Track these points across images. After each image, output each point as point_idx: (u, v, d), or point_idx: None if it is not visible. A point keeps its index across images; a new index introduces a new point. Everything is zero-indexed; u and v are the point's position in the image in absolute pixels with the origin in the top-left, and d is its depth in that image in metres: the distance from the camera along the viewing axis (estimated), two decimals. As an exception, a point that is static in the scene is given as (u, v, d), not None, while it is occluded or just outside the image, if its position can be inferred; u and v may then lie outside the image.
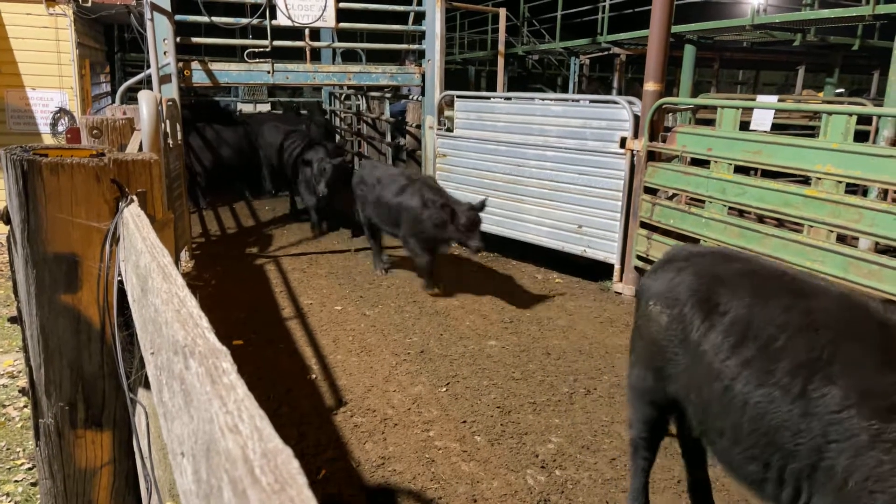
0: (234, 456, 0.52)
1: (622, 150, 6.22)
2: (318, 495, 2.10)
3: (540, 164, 7.01)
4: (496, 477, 3.58)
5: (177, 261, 4.86)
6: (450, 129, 7.97)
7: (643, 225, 6.18)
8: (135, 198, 1.70)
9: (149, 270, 1.07)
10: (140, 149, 3.17)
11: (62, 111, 8.82)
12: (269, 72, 7.93)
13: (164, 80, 7.22)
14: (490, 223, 7.59)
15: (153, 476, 1.28)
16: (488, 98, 8.03)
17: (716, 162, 5.36)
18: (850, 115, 4.44)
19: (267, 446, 0.53)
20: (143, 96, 3.27)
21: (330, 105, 13.15)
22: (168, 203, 4.70)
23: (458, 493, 3.44)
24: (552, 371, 4.84)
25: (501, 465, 3.68)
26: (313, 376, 4.78)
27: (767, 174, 5.66)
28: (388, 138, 10.43)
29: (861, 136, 6.71)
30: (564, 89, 17.28)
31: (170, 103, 6.53)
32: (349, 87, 11.52)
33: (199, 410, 0.64)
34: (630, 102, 6.30)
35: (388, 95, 10.36)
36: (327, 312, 5.85)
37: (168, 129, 6.15)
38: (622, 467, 3.65)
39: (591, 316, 5.96)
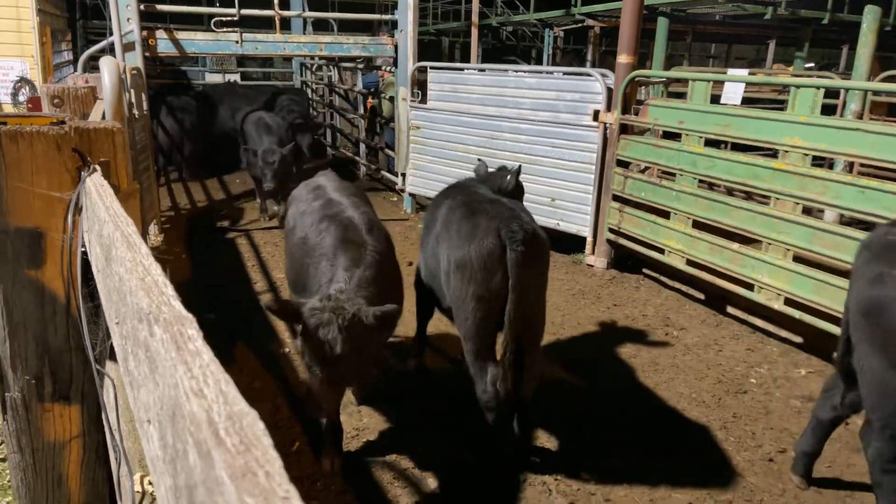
0: (199, 419, 0.52)
1: (595, 123, 6.24)
2: (292, 466, 2.14)
3: (514, 137, 6.99)
4: (467, 446, 3.63)
5: (146, 234, 4.78)
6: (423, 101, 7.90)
7: (615, 198, 6.23)
8: (97, 167, 1.66)
9: (112, 240, 1.05)
10: (103, 118, 3.09)
11: (23, 80, 8.53)
12: (237, 42, 7.73)
13: (128, 48, 7.00)
14: (464, 196, 7.58)
15: (122, 447, 1.27)
16: (462, 69, 7.96)
17: (687, 135, 5.41)
18: (818, 88, 4.50)
19: (232, 409, 0.53)
20: (105, 63, 3.17)
21: (301, 76, 12.92)
22: (135, 175, 4.60)
23: (433, 462, 3.48)
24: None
25: (471, 434, 3.73)
26: (287, 350, 4.77)
27: (738, 147, 5.73)
28: (361, 109, 10.31)
29: (829, 110, 6.82)
30: (539, 61, 17.21)
31: (134, 72, 6.35)
32: (321, 58, 11.31)
33: (164, 377, 0.64)
34: (603, 75, 6.30)
35: (360, 66, 10.20)
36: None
37: (133, 99, 5.98)
38: (586, 436, 3.72)
39: (563, 288, 6.02)
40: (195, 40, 7.63)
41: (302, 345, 2.87)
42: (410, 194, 8.40)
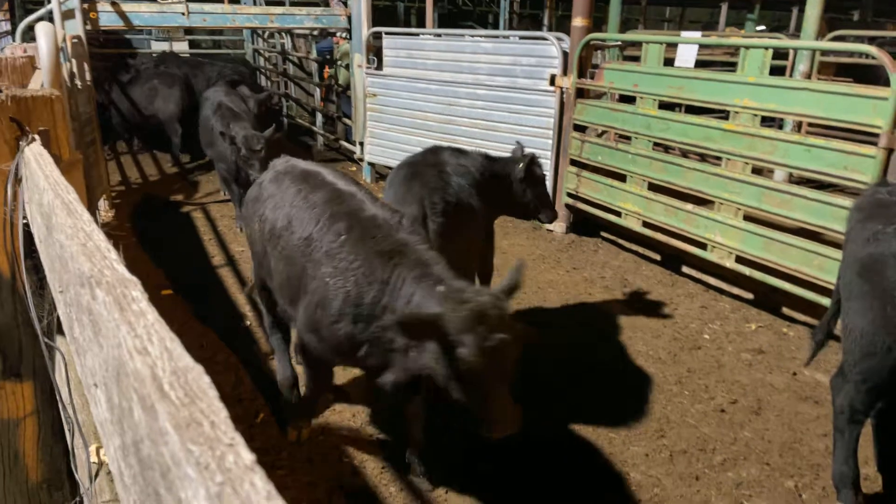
0: (143, 375, 0.52)
1: (552, 88, 6.24)
2: (257, 437, 2.14)
3: (471, 103, 6.96)
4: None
5: (95, 210, 4.63)
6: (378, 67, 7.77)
7: (573, 162, 6.28)
8: (36, 137, 1.59)
9: (52, 208, 1.02)
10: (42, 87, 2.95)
11: (-46, 51, 8.07)
12: (183, 13, 7.45)
13: (68, 15, 6.68)
14: (423, 164, 7.54)
15: (76, 418, 1.25)
16: (417, 35, 7.84)
17: (641, 98, 5.46)
18: (766, 48, 4.58)
19: (177, 365, 0.53)
20: (41, 28, 3.02)
21: (252, 44, 12.54)
22: (79, 148, 4.43)
23: (395, 428, 3.52)
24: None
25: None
26: (248, 323, 4.73)
27: (692, 109, 5.81)
28: (316, 78, 10.10)
29: (779, 72, 6.96)
30: (496, 26, 17.04)
31: (75, 41, 6.08)
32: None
33: (107, 338, 0.63)
34: (559, 39, 6.29)
35: (314, 32, 9.96)
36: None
37: (75, 69, 5.74)
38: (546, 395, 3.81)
39: (523, 253, 6.08)
40: (140, 12, 7.32)
41: (450, 361, 2.30)
42: (369, 163, 8.32)
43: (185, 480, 0.40)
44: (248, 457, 0.42)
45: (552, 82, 6.22)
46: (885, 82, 3.77)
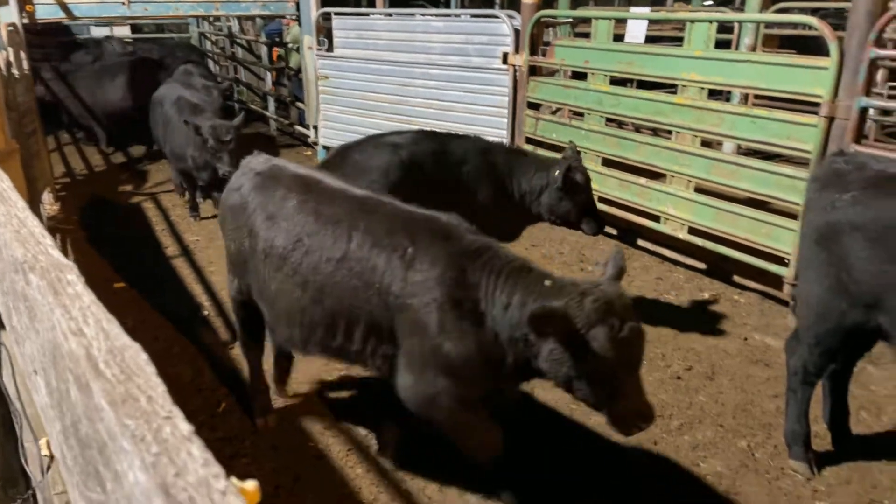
0: (78, 356, 0.51)
1: (505, 66, 6.24)
2: (219, 427, 2.11)
3: (425, 83, 6.91)
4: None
5: (38, 202, 4.47)
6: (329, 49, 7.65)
7: (528, 140, 6.31)
8: (-34, 125, 1.52)
9: (-16, 195, 0.98)
10: (-27, 76, 2.82)
11: None
12: (124, 3, 7.18)
13: (1, 2, 6.38)
14: (379, 146, 7.47)
15: (23, 412, 1.22)
16: (368, 15, 7.73)
17: (593, 74, 5.51)
18: (711, 22, 4.67)
19: (114, 344, 0.52)
20: (-32, 15, 2.88)
21: (198, 27, 12.18)
22: (18, 138, 4.26)
23: (362, 409, 3.53)
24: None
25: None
26: (206, 313, 4.65)
27: (643, 84, 5.89)
28: (265, 60, 9.89)
29: (726, 46, 7.10)
30: (447, 5, 16.91)
31: (10, 28, 5.81)
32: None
33: (42, 322, 0.61)
34: (510, 16, 6.28)
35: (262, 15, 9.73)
36: (216, 248, 5.63)
37: (12, 58, 5.49)
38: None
39: (482, 232, 6.11)
40: (79, 4, 7.03)
41: (578, 358, 2.18)
42: (324, 147, 8.21)
43: (121, 453, 0.40)
44: (185, 427, 0.42)
45: (505, 60, 6.22)
46: (828, 53, 3.88)
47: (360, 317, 2.53)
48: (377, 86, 7.31)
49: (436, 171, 3.94)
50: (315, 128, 8.18)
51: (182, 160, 6.12)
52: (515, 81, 6.23)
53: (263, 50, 9.95)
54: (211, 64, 11.98)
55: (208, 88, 7.28)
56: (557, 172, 3.82)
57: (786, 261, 4.24)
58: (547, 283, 2.32)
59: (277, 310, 2.79)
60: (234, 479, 0.42)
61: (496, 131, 6.47)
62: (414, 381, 2.50)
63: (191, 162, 5.97)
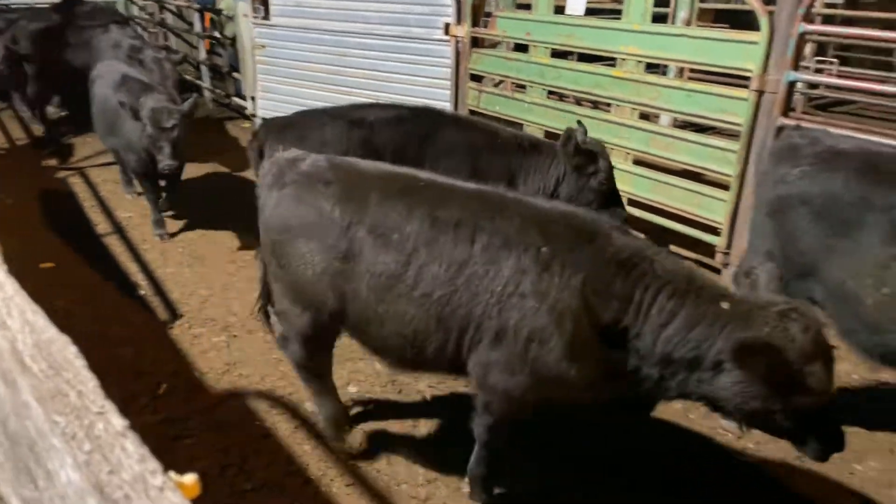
0: (2, 350, 0.48)
1: (447, 37, 6.17)
2: (161, 409, 2.05)
3: (364, 54, 6.78)
4: (344, 366, 3.69)
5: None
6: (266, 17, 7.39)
7: (472, 113, 6.29)
8: None
9: None
10: None
11: None
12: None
13: None
14: (320, 119, 7.32)
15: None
16: (306, -18, 7.49)
17: (534, 46, 5.52)
18: (649, -4, 4.73)
19: (40, 337, 0.50)
20: None
21: (125, -8, 11.52)
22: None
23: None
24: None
25: (349, 354, 3.79)
26: (142, 292, 4.51)
27: (584, 57, 5.94)
28: (198, 28, 9.48)
29: (663, 19, 7.23)
30: (388, -26, 16.51)
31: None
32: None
33: (-39, 315, 0.58)
34: (452, -14, 6.20)
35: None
36: (150, 225, 5.43)
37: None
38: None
39: (427, 205, 6.11)
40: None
41: (782, 394, 1.98)
42: (263, 119, 7.98)
43: (52, 451, 0.39)
44: (118, 423, 0.41)
45: (447, 31, 6.15)
46: (759, 27, 3.99)
47: (478, 325, 2.29)
48: (316, 56, 7.13)
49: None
50: (253, 99, 7.93)
51: (132, 150, 5.09)
52: (458, 53, 6.18)
53: (196, 17, 9.53)
54: (139, 30, 11.39)
55: (159, 62, 6.38)
56: (602, 162, 3.56)
57: (718, 230, 4.41)
58: (724, 305, 2.10)
59: (386, 333, 2.46)
60: (172, 474, 0.41)
61: (439, 103, 6.42)
62: (514, 385, 2.30)
63: (145, 155, 4.97)
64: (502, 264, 2.22)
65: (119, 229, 5.49)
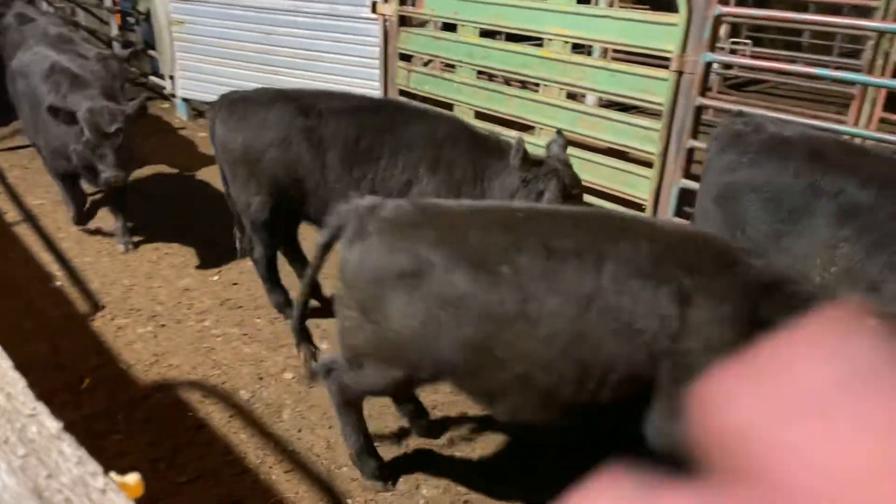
0: (-85, 354, 0.46)
1: (374, 16, 6.08)
2: (85, 404, 1.97)
3: (291, 32, 6.59)
4: (279, 352, 3.64)
5: None
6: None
7: (402, 93, 6.24)
8: None
9: None
10: None
11: None
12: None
13: None
14: (245, 99, 7.09)
15: None
16: (225, -44, 7.18)
17: (463, 25, 5.52)
18: (574, -24, 4.81)
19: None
20: None
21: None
22: None
23: (241, 374, 3.45)
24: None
25: (284, 340, 3.74)
26: (59, 283, 4.28)
27: (514, 37, 5.97)
28: (108, 2, 8.96)
29: (588, 0, 7.35)
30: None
31: None
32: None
33: None
34: (378, -37, 6.10)
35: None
36: (64, 212, 5.14)
37: None
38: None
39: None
40: None
41: None
42: (184, 99, 7.66)
43: (-18, 459, 0.37)
44: (53, 425, 0.40)
45: (374, 9, 6.06)
46: (678, 9, 4.12)
47: (616, 367, 2.08)
48: (240, 33, 6.88)
49: (362, 154, 3.42)
50: (172, 78, 7.59)
51: (63, 155, 4.39)
52: (385, 32, 6.10)
53: (106, -10, 8.98)
54: (45, 6, 10.64)
55: (105, 60, 5.37)
56: (551, 182, 3.13)
57: (643, 206, 4.57)
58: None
59: (501, 381, 2.26)
60: (113, 475, 0.40)
61: (368, 82, 6.34)
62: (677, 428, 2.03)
63: (76, 161, 4.25)
64: (636, 298, 2.03)
65: (31, 217, 5.17)
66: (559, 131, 3.38)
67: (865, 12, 7.01)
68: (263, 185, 3.55)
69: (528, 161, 3.12)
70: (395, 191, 3.33)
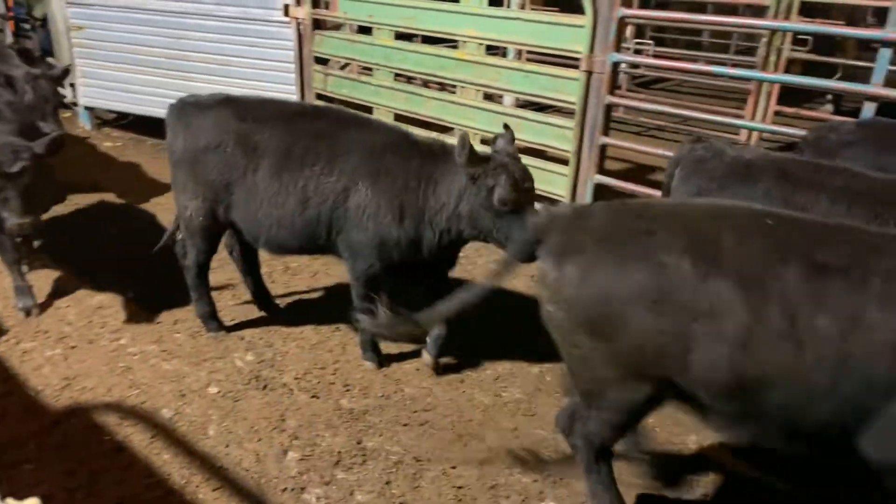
0: None
1: (287, 19, 5.98)
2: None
3: (202, 36, 6.40)
4: (202, 367, 3.53)
5: None
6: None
7: (319, 97, 6.17)
8: None
9: None
10: None
11: None
12: None
13: None
14: (156, 105, 6.82)
15: None
16: (126, -43, 6.88)
17: (378, 28, 5.51)
18: (484, -22, 4.89)
19: None
20: None
21: None
22: None
23: (162, 392, 3.32)
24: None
25: (207, 355, 3.62)
26: (-46, 304, 3.98)
27: (430, 40, 6.01)
28: (2, 7, 8.41)
29: (500, 3, 7.49)
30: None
31: None
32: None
33: None
34: (289, -34, 6.00)
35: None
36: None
37: None
38: (326, 330, 3.88)
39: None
40: None
41: None
42: (87, 108, 7.29)
43: None
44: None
45: (286, 13, 5.96)
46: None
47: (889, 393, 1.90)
48: (147, 38, 6.61)
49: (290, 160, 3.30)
50: (73, 86, 7.20)
51: None
52: (300, 35, 6.01)
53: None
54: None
55: (34, 80, 4.75)
56: (501, 177, 3.00)
57: (561, 203, 4.71)
58: None
59: (755, 402, 2.07)
60: (10, 501, 0.39)
61: (284, 87, 6.23)
62: None
63: None
64: None
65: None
66: (505, 125, 3.32)
67: (759, 11, 7.46)
68: (199, 190, 3.46)
69: (476, 157, 3.00)
70: (329, 199, 3.27)
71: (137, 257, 4.31)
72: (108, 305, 4.06)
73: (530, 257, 2.46)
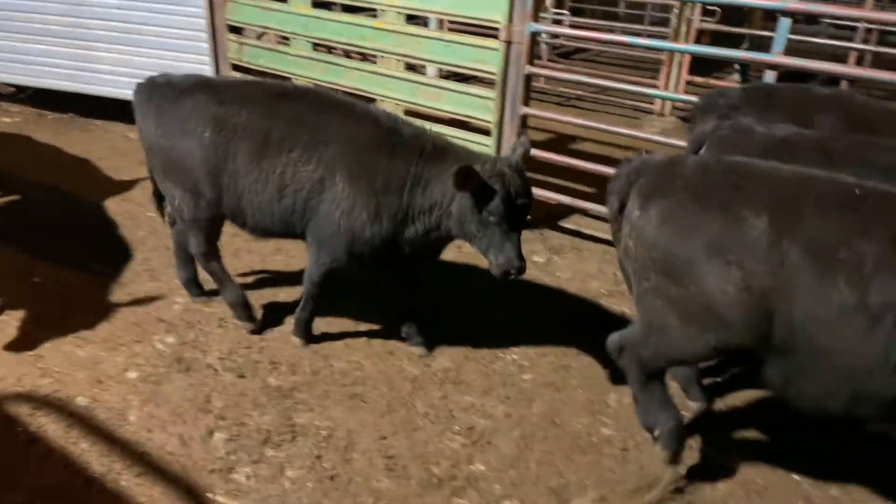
0: None
1: (196, -16, 5.71)
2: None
3: (106, 3, 6.02)
4: (119, 352, 3.40)
5: None
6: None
7: (235, 68, 5.95)
8: None
9: None
10: None
11: None
12: None
13: None
14: (56, 77, 6.40)
15: None
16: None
17: (294, -4, 5.34)
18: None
19: None
20: None
21: None
22: None
23: (77, 380, 3.18)
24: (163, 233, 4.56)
25: (123, 339, 3.49)
26: None
27: (350, 9, 5.87)
28: None
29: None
30: None
31: None
32: None
33: None
34: (196, -73, 5.70)
35: None
36: None
37: None
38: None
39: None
40: None
41: None
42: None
43: None
44: None
45: (195, -23, 5.68)
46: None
47: None
48: (42, 5, 6.15)
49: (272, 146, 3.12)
50: (-40, 58, 6.64)
51: None
52: (211, 2, 5.75)
53: None
54: None
55: None
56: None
57: (485, 173, 4.75)
58: None
59: (819, 368, 2.11)
60: None
61: (196, 57, 5.97)
62: None
63: None
64: None
65: None
66: (522, 134, 3.13)
67: (671, -17, 7.69)
68: (180, 178, 3.29)
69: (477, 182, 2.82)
70: (305, 188, 3.11)
71: (48, 238, 4.06)
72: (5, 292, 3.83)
73: (505, 276, 2.67)
